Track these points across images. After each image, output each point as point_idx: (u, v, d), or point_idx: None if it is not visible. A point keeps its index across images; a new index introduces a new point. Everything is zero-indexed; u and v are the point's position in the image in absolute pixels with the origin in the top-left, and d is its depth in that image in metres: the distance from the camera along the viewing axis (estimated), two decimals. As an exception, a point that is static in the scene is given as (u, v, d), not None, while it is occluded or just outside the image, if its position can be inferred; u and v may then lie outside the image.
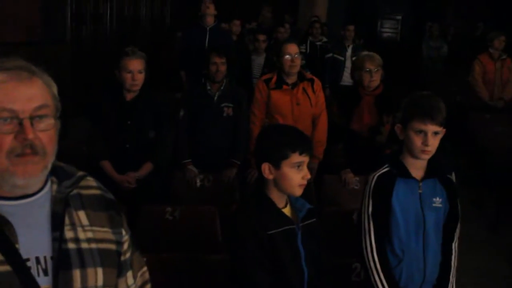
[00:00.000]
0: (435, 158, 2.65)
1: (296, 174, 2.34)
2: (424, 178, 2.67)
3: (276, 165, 2.35)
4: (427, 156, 2.61)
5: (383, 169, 2.67)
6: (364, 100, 4.61)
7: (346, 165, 4.55)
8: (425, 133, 2.56)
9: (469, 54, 8.11)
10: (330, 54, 7.83)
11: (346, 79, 7.20)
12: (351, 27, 7.95)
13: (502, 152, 6.00)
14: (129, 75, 4.04)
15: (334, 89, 7.23)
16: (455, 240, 2.74)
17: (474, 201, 6.40)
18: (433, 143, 2.58)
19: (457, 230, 2.77)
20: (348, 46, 7.91)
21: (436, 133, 2.57)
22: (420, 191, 2.65)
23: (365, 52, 4.89)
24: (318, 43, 8.60)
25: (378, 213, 2.62)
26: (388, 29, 16.64)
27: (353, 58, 6.39)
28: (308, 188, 3.81)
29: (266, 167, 2.37)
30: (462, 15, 14.74)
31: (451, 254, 2.72)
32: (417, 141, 2.57)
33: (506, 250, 5.22)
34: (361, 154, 4.46)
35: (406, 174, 2.64)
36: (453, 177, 3.49)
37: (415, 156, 2.62)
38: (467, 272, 4.85)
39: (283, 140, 2.37)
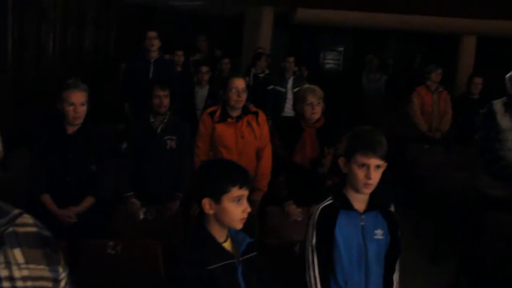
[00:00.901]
0: (376, 191, 2.72)
1: (236, 208, 2.38)
2: (366, 210, 2.73)
3: (217, 199, 2.38)
4: (369, 190, 2.68)
5: (327, 201, 2.72)
6: (306, 132, 4.68)
7: (288, 197, 4.60)
8: (367, 167, 2.63)
9: (407, 86, 8.34)
10: (272, 86, 7.88)
11: (288, 110, 7.27)
12: (291, 59, 8.01)
13: (439, 182, 6.15)
14: (71, 108, 4.01)
15: (276, 121, 7.29)
16: (395, 271, 2.81)
17: (414, 231, 6.55)
18: (375, 176, 2.65)
19: (398, 261, 2.84)
20: (289, 77, 7.97)
21: (378, 166, 2.65)
22: (362, 223, 2.71)
23: (307, 85, 4.97)
24: (261, 75, 8.69)
25: (322, 245, 2.66)
26: (330, 60, 16.96)
27: (294, 90, 6.49)
28: (251, 220, 3.84)
29: (206, 202, 2.39)
30: (402, 48, 15.20)
31: (392, 285, 2.78)
32: (360, 174, 2.64)
33: (446, 279, 5.32)
34: (303, 185, 4.53)
35: (349, 207, 2.70)
36: (392, 208, 3.59)
37: (357, 189, 2.69)
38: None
39: (223, 175, 2.40)
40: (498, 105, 4.85)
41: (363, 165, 2.63)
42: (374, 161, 2.63)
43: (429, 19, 11.71)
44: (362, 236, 2.70)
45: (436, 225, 6.03)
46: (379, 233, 2.73)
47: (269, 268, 2.83)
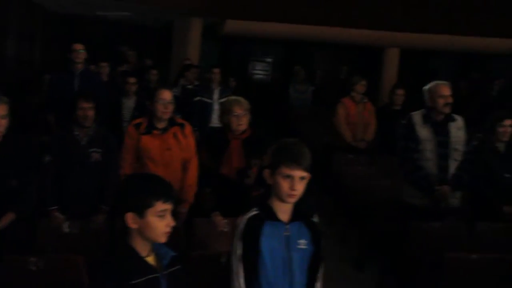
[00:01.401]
0: (300, 202, 2.77)
1: (160, 222, 2.39)
2: (291, 221, 2.77)
3: (140, 214, 2.39)
4: (293, 200, 2.72)
5: (252, 212, 2.75)
6: (232, 143, 4.72)
7: (215, 208, 4.62)
8: (292, 178, 2.68)
9: (334, 97, 8.49)
10: (198, 97, 7.87)
11: (215, 121, 7.28)
12: (217, 70, 8.00)
13: (364, 191, 6.29)
14: (-9, 121, 3.91)
15: (203, 132, 7.29)
16: (318, 280, 2.86)
17: (340, 239, 6.68)
18: (299, 187, 2.70)
19: (321, 270, 2.89)
20: (215, 88, 7.97)
21: (302, 178, 2.70)
22: (286, 233, 2.75)
23: (233, 97, 5.01)
24: (190, 86, 8.67)
25: (247, 255, 2.69)
26: (259, 71, 17.07)
27: (221, 101, 6.51)
28: (177, 233, 3.85)
29: (129, 217, 2.40)
30: (329, 59, 15.49)
31: None
32: (285, 185, 2.68)
33: (370, 285, 5.44)
34: (230, 197, 4.56)
35: (274, 217, 2.74)
36: (316, 219, 3.66)
37: (282, 200, 2.73)
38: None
39: (147, 189, 2.41)
40: (417, 116, 5.03)
41: (288, 176, 2.68)
42: (298, 173, 2.69)
43: (355, 31, 12.02)
44: (287, 246, 2.74)
45: (361, 233, 6.16)
46: (302, 243, 2.78)
47: (195, 280, 2.84)
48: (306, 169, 2.70)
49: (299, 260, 2.76)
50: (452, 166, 4.92)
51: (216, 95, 7.85)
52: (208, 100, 7.82)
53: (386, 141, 7.19)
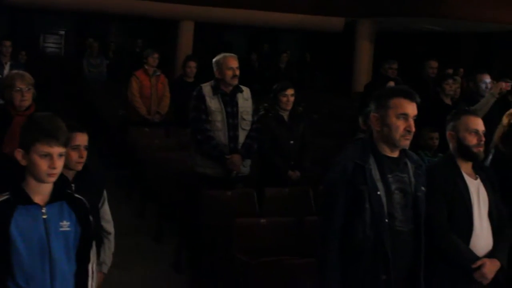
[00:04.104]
0: (60, 180, 2.57)
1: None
2: (49, 202, 2.56)
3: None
4: (53, 179, 2.51)
5: (3, 196, 2.51)
6: (15, 120, 4.43)
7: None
8: (50, 156, 2.47)
9: (129, 70, 8.38)
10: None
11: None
12: (8, 43, 7.57)
13: (159, 164, 6.31)
14: None
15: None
16: (91, 262, 2.73)
17: (138, 212, 6.66)
18: (59, 164, 2.46)
19: (93, 251, 2.75)
20: (6, 63, 7.50)
21: (61, 154, 2.50)
22: (44, 216, 2.53)
23: (16, 71, 4.72)
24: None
25: None
26: (52, 44, 16.36)
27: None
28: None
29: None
30: (123, 32, 15.23)
31: (87, 276, 2.70)
32: (43, 164, 2.46)
33: (169, 257, 5.50)
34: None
35: (27, 201, 2.52)
36: (104, 194, 3.58)
37: (40, 180, 2.52)
38: (137, 281, 5.03)
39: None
40: (206, 88, 5.12)
41: (46, 154, 2.51)
42: (57, 150, 2.50)
43: (149, 4, 11.93)
44: (45, 230, 2.52)
45: (158, 206, 6.19)
46: (65, 225, 2.56)
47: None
48: (64, 145, 2.55)
49: (62, 244, 2.55)
50: (242, 136, 5.10)
51: (7, 70, 7.37)
52: (-1, 76, 7.32)
53: (180, 113, 7.24)
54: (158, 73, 7.76)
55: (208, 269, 4.73)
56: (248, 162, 5.20)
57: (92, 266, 2.70)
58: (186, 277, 5.15)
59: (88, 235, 2.65)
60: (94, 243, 2.72)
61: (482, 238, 3.19)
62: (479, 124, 3.30)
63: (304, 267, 3.58)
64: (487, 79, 6.44)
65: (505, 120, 4.31)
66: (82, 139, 3.30)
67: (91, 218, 2.64)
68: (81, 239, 2.61)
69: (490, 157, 4.19)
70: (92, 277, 2.70)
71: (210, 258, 4.71)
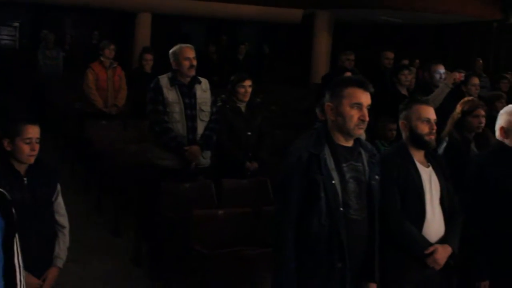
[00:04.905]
0: None
1: None
2: None
3: None
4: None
5: None
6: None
7: None
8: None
9: (85, 62, 8.26)
10: None
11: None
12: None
13: (117, 157, 6.25)
14: None
15: None
16: (15, 256, 2.62)
17: (95, 206, 6.59)
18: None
19: (17, 243, 2.66)
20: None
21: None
22: None
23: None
24: None
25: None
26: (5, 36, 16.02)
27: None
28: None
29: None
30: (80, 24, 15.00)
31: (15, 270, 2.54)
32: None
33: (128, 250, 5.47)
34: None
35: None
36: (58, 188, 3.51)
37: None
38: (96, 276, 4.99)
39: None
40: (164, 79, 5.09)
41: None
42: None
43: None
44: None
45: (116, 199, 6.13)
46: None
47: None
48: None
49: None
50: (200, 127, 5.09)
51: None
52: None
53: (138, 105, 7.18)
54: (115, 65, 7.67)
55: (167, 262, 4.72)
56: (207, 153, 5.20)
57: (18, 260, 2.60)
58: (145, 270, 5.12)
59: (11, 228, 2.55)
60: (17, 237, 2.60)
61: (434, 224, 3.26)
62: (430, 113, 3.35)
63: (262, 257, 3.60)
64: (441, 69, 6.56)
65: (458, 108, 4.41)
66: (34, 131, 3.26)
67: (13, 210, 2.55)
68: (5, 233, 2.52)
69: (444, 144, 4.29)
70: (20, 271, 2.61)
71: (168, 250, 4.70)
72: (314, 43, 13.06)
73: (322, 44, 12.97)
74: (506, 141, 3.62)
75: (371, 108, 2.94)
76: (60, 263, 3.45)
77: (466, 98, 4.74)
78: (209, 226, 4.37)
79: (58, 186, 3.48)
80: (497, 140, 3.68)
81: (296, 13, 13.03)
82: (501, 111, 3.71)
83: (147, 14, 12.64)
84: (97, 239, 5.78)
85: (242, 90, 5.41)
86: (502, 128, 3.64)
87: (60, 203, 3.49)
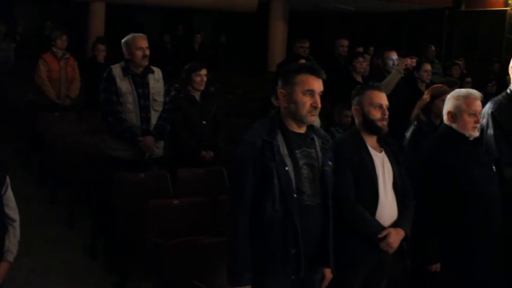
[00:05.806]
0: None
1: None
2: None
3: None
4: None
5: None
6: None
7: None
8: None
9: (37, 53, 8.09)
10: None
11: None
12: None
13: (71, 149, 6.15)
14: None
15: None
16: None
17: (49, 199, 6.48)
18: None
19: None
20: None
21: None
22: None
23: None
24: None
25: None
26: (-46, 28, 15.54)
27: None
28: None
29: None
30: (32, 14, 14.70)
31: None
32: None
33: (83, 243, 5.40)
34: None
35: None
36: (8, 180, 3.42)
37: None
38: (50, 269, 4.91)
39: None
40: (116, 69, 5.01)
41: None
42: None
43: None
44: None
45: (70, 192, 6.04)
46: None
47: None
48: None
49: None
50: (154, 117, 5.05)
51: None
52: None
53: (91, 96, 7.08)
54: (67, 55, 7.53)
55: (123, 253, 4.67)
56: (161, 143, 5.17)
57: None
58: (101, 262, 5.08)
59: None
60: None
61: (387, 208, 3.29)
62: (383, 99, 3.38)
63: (217, 246, 3.59)
64: (394, 56, 6.65)
65: (427, 93, 4.49)
66: None
67: None
68: None
69: (412, 128, 4.35)
70: None
71: (124, 242, 4.66)
72: (270, 32, 13.04)
73: (278, 33, 12.97)
74: (454, 126, 3.68)
75: (327, 95, 2.95)
76: (10, 257, 3.38)
77: (435, 85, 4.82)
78: (164, 216, 4.35)
79: (8, 179, 3.40)
80: (445, 124, 3.74)
81: (251, 2, 12.98)
82: (448, 96, 3.78)
83: (101, 4, 12.41)
84: (52, 232, 5.70)
85: (198, 78, 5.36)
86: (449, 113, 3.70)
87: (9, 196, 3.40)
